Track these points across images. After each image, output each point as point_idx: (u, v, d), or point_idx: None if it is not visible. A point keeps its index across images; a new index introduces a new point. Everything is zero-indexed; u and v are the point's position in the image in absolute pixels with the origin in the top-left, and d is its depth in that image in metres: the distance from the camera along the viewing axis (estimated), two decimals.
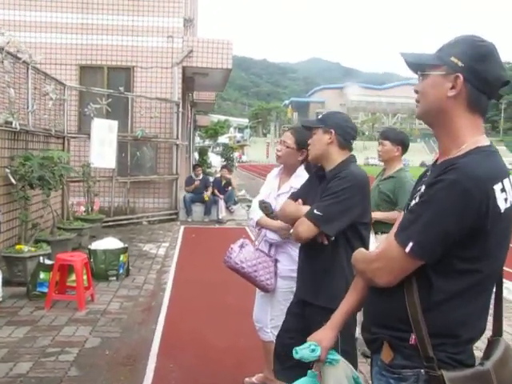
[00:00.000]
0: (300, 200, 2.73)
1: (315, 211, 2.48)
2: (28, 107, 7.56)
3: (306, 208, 2.59)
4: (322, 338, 1.83)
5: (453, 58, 1.52)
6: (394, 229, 1.61)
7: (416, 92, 1.63)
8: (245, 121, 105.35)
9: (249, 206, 15.98)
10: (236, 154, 41.52)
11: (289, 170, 3.37)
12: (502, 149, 76.20)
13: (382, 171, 4.45)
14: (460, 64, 1.51)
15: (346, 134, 2.67)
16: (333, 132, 2.63)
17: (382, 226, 3.92)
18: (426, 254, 1.47)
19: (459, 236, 1.43)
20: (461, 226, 1.42)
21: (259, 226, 3.36)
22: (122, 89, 11.15)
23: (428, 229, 1.45)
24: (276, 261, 3.31)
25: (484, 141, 1.54)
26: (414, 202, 1.57)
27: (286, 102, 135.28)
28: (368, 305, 1.75)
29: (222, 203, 12.25)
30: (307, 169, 3.32)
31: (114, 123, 10.49)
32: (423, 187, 1.53)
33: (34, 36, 11.76)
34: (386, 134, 4.30)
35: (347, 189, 2.51)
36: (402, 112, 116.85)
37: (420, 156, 73.39)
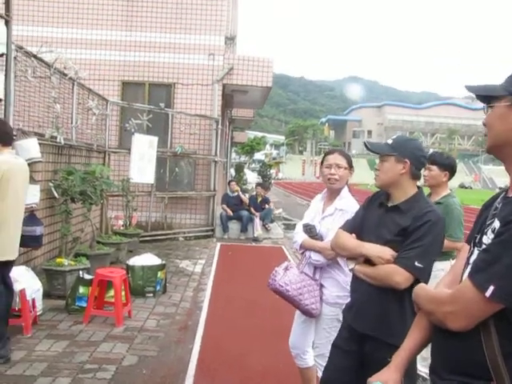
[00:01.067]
0: (354, 235, 2.61)
1: (416, 264, 2.33)
2: (72, 122, 7.70)
3: (368, 245, 2.48)
4: (388, 378, 1.71)
5: None
6: (459, 266, 1.51)
7: (484, 125, 1.56)
8: (281, 138, 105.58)
9: (285, 225, 15.91)
10: (273, 172, 41.46)
11: (333, 193, 3.31)
12: None
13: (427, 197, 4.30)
14: None
15: (419, 164, 2.56)
16: (408, 162, 2.50)
17: None
18: (509, 298, 1.36)
19: None
20: None
21: (304, 248, 3.29)
22: (162, 105, 11.27)
23: (511, 271, 1.35)
24: (321, 286, 3.21)
25: None
26: (485, 237, 1.46)
27: (323, 119, 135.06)
28: (436, 346, 1.63)
29: (257, 221, 12.17)
30: (351, 191, 3.27)
31: (154, 139, 10.60)
32: (498, 223, 1.43)
33: (80, 52, 12.04)
34: (434, 159, 4.15)
35: (439, 235, 2.42)
36: (441, 132, 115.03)
37: (459, 177, 71.90)
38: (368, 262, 2.46)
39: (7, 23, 5.34)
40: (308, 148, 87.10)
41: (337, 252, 2.74)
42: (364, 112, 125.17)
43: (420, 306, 1.62)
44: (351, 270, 2.57)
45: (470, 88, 1.58)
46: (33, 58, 6.23)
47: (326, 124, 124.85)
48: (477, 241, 1.53)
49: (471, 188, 71.05)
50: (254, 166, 61.92)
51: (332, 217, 3.20)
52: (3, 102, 5.59)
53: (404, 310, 2.35)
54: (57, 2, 12.09)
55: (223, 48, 12.38)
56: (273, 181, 36.18)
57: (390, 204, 2.55)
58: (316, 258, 3.19)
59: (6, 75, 5.53)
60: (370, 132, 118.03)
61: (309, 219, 3.36)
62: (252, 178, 31.65)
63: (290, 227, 15.29)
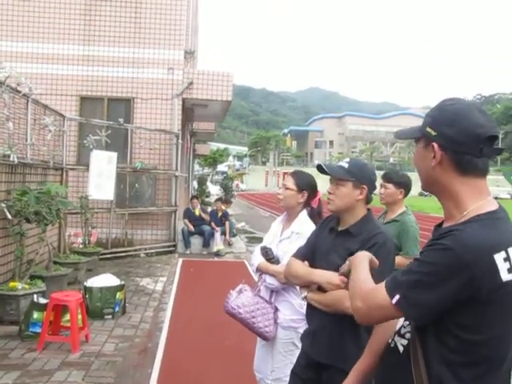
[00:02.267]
0: (306, 262, 2.60)
1: None
2: (27, 140, 7.50)
3: (318, 271, 2.47)
4: None
5: (428, 128, 1.53)
6: None
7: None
8: (244, 149, 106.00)
9: (248, 238, 15.89)
10: (234, 184, 41.48)
11: (291, 215, 3.32)
12: (499, 178, 76.34)
13: (383, 214, 4.35)
14: (433, 133, 1.51)
15: (374, 188, 2.59)
16: (366, 188, 2.51)
17: None
18: (411, 310, 1.45)
19: (449, 300, 1.40)
20: (449, 290, 1.39)
21: (260, 271, 3.29)
22: (121, 120, 11.14)
23: (417, 287, 1.42)
24: (276, 309, 3.20)
25: (488, 206, 1.49)
26: None
27: (285, 130, 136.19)
28: (377, 371, 1.68)
29: (218, 236, 12.12)
30: (311, 215, 3.25)
31: (113, 155, 10.44)
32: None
33: (36, 67, 11.79)
34: (389, 177, 4.21)
35: (388, 256, 2.41)
36: (400, 141, 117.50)
37: (418, 185, 73.25)
38: (321, 289, 2.46)
39: None
40: (271, 159, 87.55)
41: (289, 281, 2.73)
42: (325, 122, 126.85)
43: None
44: (304, 298, 2.56)
45: (397, 134, 1.69)
46: None
47: (288, 135, 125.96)
48: None
49: (430, 196, 72.58)
50: (217, 177, 61.91)
51: (289, 240, 3.20)
52: None
53: (359, 336, 2.34)
54: (11, 15, 11.82)
55: (183, 62, 12.33)
56: (236, 193, 36.17)
57: (340, 228, 2.56)
58: (270, 281, 3.19)
59: None
60: (331, 142, 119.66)
61: (267, 242, 3.36)
62: (215, 190, 31.59)
63: (252, 240, 15.27)
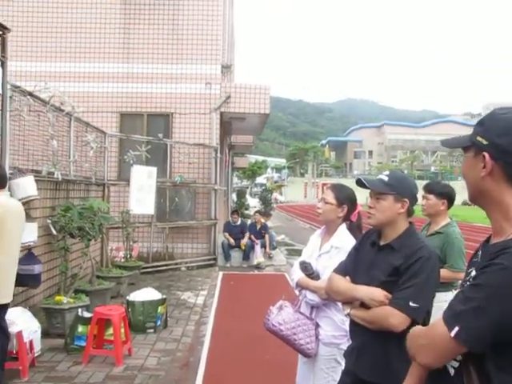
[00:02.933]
0: (348, 277, 2.55)
1: (411, 304, 2.26)
2: (70, 157, 7.70)
3: (361, 287, 2.42)
4: None
5: (478, 137, 1.48)
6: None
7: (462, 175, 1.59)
8: (282, 161, 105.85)
9: (288, 250, 15.81)
10: (273, 196, 41.40)
11: (330, 229, 3.27)
12: None
13: (426, 226, 4.24)
14: (484, 142, 1.46)
15: (415, 201, 2.52)
16: (407, 202, 2.46)
17: None
18: (472, 341, 1.37)
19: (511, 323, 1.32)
20: (510, 313, 1.32)
21: (299, 286, 3.23)
22: (160, 135, 11.30)
23: (478, 315, 1.35)
24: (317, 325, 3.14)
25: None
26: (467, 283, 1.47)
27: (324, 141, 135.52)
28: None
29: (258, 248, 12.09)
30: (350, 229, 3.19)
31: (153, 169, 10.59)
32: (474, 271, 1.46)
33: (78, 86, 12.13)
34: (430, 188, 4.13)
35: (433, 271, 2.35)
36: (442, 150, 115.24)
37: (462, 194, 71.58)
38: (364, 305, 2.40)
39: (3, 64, 5.37)
40: (309, 170, 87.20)
41: (331, 297, 2.68)
42: (364, 132, 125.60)
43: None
44: (347, 314, 2.50)
45: (444, 143, 1.64)
46: (28, 96, 6.24)
47: (327, 146, 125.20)
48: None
49: (474, 204, 70.57)
50: (256, 190, 62.02)
51: (328, 254, 3.15)
52: (0, 142, 5.59)
53: (405, 354, 2.27)
54: (53, 37, 12.22)
55: (220, 76, 12.45)
56: (275, 205, 36.12)
57: (382, 242, 2.49)
58: (311, 297, 3.14)
59: (1, 115, 5.53)
60: (370, 152, 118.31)
61: (306, 256, 3.31)
62: (253, 202, 31.61)
63: (292, 253, 15.19)
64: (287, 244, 18.09)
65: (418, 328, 1.65)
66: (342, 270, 2.61)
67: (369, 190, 2.55)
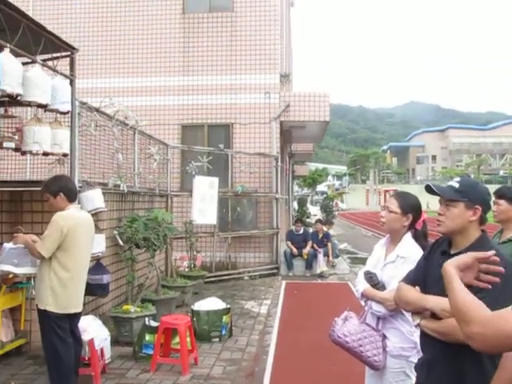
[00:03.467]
0: (417, 287, 2.44)
1: None
2: (134, 169, 7.91)
3: (432, 298, 2.32)
4: None
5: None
6: None
7: None
8: (343, 168, 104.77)
9: (351, 259, 15.56)
10: (334, 203, 40.94)
11: (395, 238, 3.16)
12: None
13: (498, 233, 4.03)
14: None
15: (488, 208, 2.40)
16: (479, 209, 2.33)
17: None
18: None
19: None
20: None
21: (365, 297, 3.14)
22: (221, 146, 11.43)
23: None
24: (384, 336, 3.03)
25: None
26: None
27: (385, 147, 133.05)
28: None
29: (320, 257, 11.95)
30: (415, 237, 3.07)
31: (215, 180, 10.71)
32: None
33: (140, 100, 12.51)
34: (502, 193, 3.92)
35: (509, 280, 2.18)
36: (511, 152, 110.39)
37: None
38: (435, 316, 2.29)
39: (71, 82, 5.59)
40: (371, 177, 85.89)
41: (400, 307, 2.58)
42: (427, 137, 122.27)
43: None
44: (417, 325, 2.40)
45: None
46: (95, 112, 6.47)
47: (388, 151, 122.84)
48: None
49: None
50: (317, 197, 61.62)
51: (394, 264, 3.05)
52: (69, 156, 5.81)
53: (482, 368, 2.14)
54: (116, 54, 12.69)
55: (279, 86, 12.49)
56: (337, 213, 35.73)
57: (452, 251, 2.37)
58: (377, 308, 3.04)
59: (71, 131, 5.76)
60: (434, 157, 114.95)
61: (370, 266, 3.22)
62: (314, 210, 31.37)
63: (356, 261, 14.94)
64: (350, 252, 17.83)
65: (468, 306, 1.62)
66: (411, 279, 2.50)
67: (438, 198, 2.44)
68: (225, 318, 6.44)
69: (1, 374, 5.14)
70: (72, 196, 4.38)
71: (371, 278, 3.07)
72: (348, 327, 3.05)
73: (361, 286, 3.16)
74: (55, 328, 4.16)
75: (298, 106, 12.31)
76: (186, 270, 9.73)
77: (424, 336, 2.38)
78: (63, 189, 4.31)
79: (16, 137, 5.25)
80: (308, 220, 24.57)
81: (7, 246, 4.57)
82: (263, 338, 6.70)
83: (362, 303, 3.24)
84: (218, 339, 6.35)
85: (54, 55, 5.57)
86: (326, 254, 12.26)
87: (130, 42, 12.70)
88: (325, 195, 41.97)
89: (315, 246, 12.22)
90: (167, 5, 12.70)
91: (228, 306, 6.64)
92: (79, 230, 4.26)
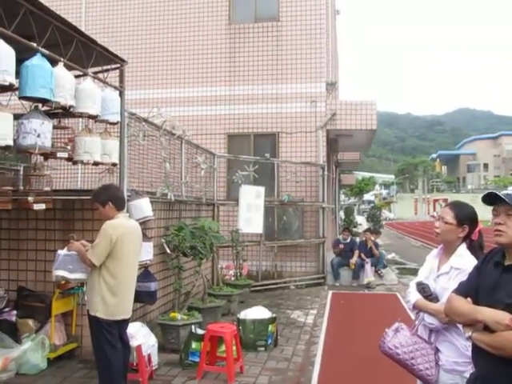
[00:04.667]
0: (469, 298, 2.36)
1: None
2: (181, 178, 8.02)
3: (484, 309, 2.23)
4: None
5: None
6: None
7: None
8: (390, 177, 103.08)
9: (399, 269, 15.24)
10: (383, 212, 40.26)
11: (449, 249, 3.04)
12: None
13: None
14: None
15: None
16: None
17: None
18: None
19: None
20: None
21: (417, 308, 3.04)
22: (267, 155, 11.45)
23: None
24: (437, 349, 2.93)
25: None
26: None
27: (434, 155, 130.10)
28: None
29: (368, 267, 11.74)
30: (471, 248, 2.96)
31: (261, 189, 10.73)
32: None
33: (187, 110, 12.73)
34: None
35: None
36: None
37: None
38: (488, 328, 2.20)
39: (121, 93, 5.74)
40: (419, 186, 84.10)
41: (451, 318, 2.49)
42: (478, 144, 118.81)
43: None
44: (468, 338, 2.31)
45: None
46: (143, 123, 6.61)
47: (437, 160, 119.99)
48: None
49: None
50: (363, 207, 60.85)
51: (448, 275, 2.93)
52: (118, 166, 5.95)
53: None
54: (163, 65, 12.97)
55: (325, 94, 12.43)
56: (384, 222, 35.14)
57: (507, 263, 2.28)
58: (430, 320, 2.93)
59: (120, 141, 5.90)
60: (486, 165, 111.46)
61: (422, 277, 3.11)
62: (361, 220, 30.97)
63: (404, 272, 14.62)
64: (398, 262, 17.47)
65: None
66: (463, 290, 2.42)
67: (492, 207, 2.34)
68: (271, 328, 6.42)
69: (54, 376, 5.29)
70: (120, 205, 4.47)
71: (424, 289, 2.97)
72: (399, 339, 2.96)
73: (412, 296, 3.05)
74: (105, 333, 4.25)
75: (345, 115, 12.21)
76: (232, 278, 9.77)
77: (476, 350, 2.29)
78: (112, 198, 4.41)
79: (68, 147, 5.42)
80: (355, 229, 24.29)
81: (61, 252, 4.72)
82: (309, 348, 6.63)
83: (412, 316, 3.15)
84: (263, 348, 6.32)
85: (105, 68, 5.73)
86: (374, 264, 12.05)
87: (176, 53, 12.96)
88: (372, 204, 41.34)
89: (362, 255, 12.02)
90: (213, 16, 12.89)
91: (274, 316, 6.60)
92: (128, 239, 4.34)
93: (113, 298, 4.24)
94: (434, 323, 2.90)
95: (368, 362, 5.91)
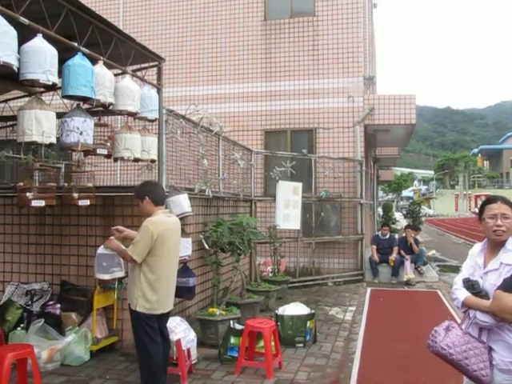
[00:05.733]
0: None
1: None
2: (219, 175, 8.06)
3: None
4: None
5: None
6: None
7: None
8: (430, 172, 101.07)
9: (440, 267, 14.94)
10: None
11: (496, 244, 2.92)
12: None
13: None
14: None
15: None
16: None
17: None
18: None
19: None
20: None
21: (466, 306, 2.91)
22: (305, 151, 11.39)
23: None
24: (490, 349, 2.83)
25: None
26: None
27: (475, 150, 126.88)
28: None
29: (408, 264, 11.53)
30: None
31: (298, 185, 10.69)
32: None
33: (224, 106, 12.80)
34: None
35: None
36: None
37: None
38: None
39: (159, 91, 5.81)
40: (460, 181, 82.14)
41: (501, 316, 2.41)
42: None
43: None
44: None
45: None
46: (181, 119, 6.67)
47: (479, 155, 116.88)
48: None
49: None
50: (402, 203, 59.95)
51: (497, 272, 2.80)
52: (157, 163, 6.02)
53: None
54: (200, 63, 13.08)
55: (362, 89, 12.28)
56: (423, 218, 34.52)
57: None
58: (483, 318, 2.79)
59: (158, 138, 5.97)
60: None
61: (467, 274, 3.00)
62: (399, 216, 30.50)
63: (445, 269, 14.34)
64: (438, 260, 17.13)
65: None
66: (510, 287, 2.34)
67: None
68: (309, 324, 6.39)
69: (97, 368, 5.42)
70: (158, 200, 4.51)
71: (473, 286, 2.85)
72: (451, 338, 2.84)
73: (460, 294, 2.94)
74: (145, 327, 4.31)
75: (383, 109, 12.04)
76: (270, 274, 9.77)
77: None
78: (149, 193, 4.48)
79: (108, 144, 5.51)
80: (393, 226, 23.95)
81: (97, 252, 4.84)
82: (348, 345, 6.57)
83: (456, 314, 3.05)
84: (302, 344, 6.30)
85: (143, 65, 5.81)
86: (414, 261, 11.84)
87: (213, 50, 13.04)
88: (411, 200, 40.64)
89: (402, 252, 11.83)
90: (249, 12, 12.90)
91: (312, 312, 6.57)
92: (168, 235, 4.39)
93: (153, 293, 4.29)
94: (487, 321, 2.77)
95: (409, 360, 5.82)
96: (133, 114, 5.38)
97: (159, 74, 5.95)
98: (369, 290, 10.64)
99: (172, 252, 4.48)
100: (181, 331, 5.25)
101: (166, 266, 4.39)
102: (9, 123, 6.80)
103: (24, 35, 3.91)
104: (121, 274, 5.42)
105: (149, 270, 4.30)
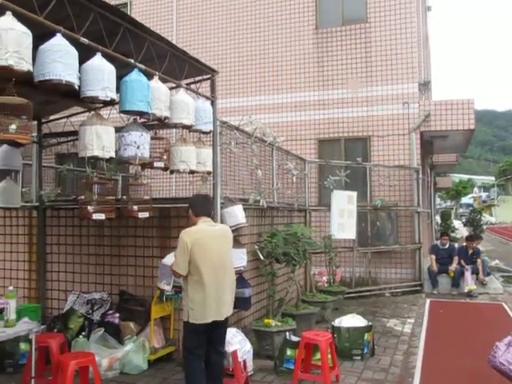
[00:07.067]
0: None
1: None
2: (273, 185, 8.05)
3: None
4: None
5: None
6: None
7: None
8: (490, 179, 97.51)
9: (504, 277, 14.32)
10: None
11: None
12: None
13: None
14: None
15: None
16: None
17: None
18: None
19: None
20: None
21: None
22: (359, 159, 11.23)
23: None
24: None
25: None
26: None
27: None
28: None
29: (468, 274, 11.09)
30: None
31: (353, 194, 10.54)
32: None
33: (277, 116, 12.84)
34: None
35: None
36: None
37: None
38: None
39: (212, 103, 5.87)
40: None
41: None
42: None
43: None
44: None
45: None
46: (235, 131, 6.71)
47: None
48: None
49: None
50: (461, 210, 58.13)
51: None
52: (212, 174, 6.07)
53: None
54: (253, 73, 13.19)
55: (417, 95, 12.01)
56: (485, 227, 33.29)
57: None
58: None
59: (213, 149, 6.03)
60: None
61: None
62: (458, 224, 29.52)
63: (510, 280, 13.73)
64: (502, 270, 16.42)
65: None
66: None
67: None
68: (366, 336, 6.25)
69: (155, 377, 5.52)
70: (199, 210, 4.54)
71: None
72: None
73: None
74: (191, 337, 4.35)
75: (439, 115, 11.71)
76: (326, 285, 9.66)
77: None
78: (191, 204, 4.59)
79: (164, 157, 5.62)
80: (452, 234, 23.22)
81: (161, 262, 4.97)
82: (407, 358, 6.38)
83: None
84: (359, 357, 6.17)
85: (197, 79, 5.89)
86: (475, 272, 11.40)
87: (265, 60, 13.11)
88: (471, 208, 39.31)
89: (462, 262, 11.41)
90: (300, 21, 12.91)
91: (370, 324, 6.43)
92: (206, 242, 4.34)
93: (198, 304, 4.26)
94: None
95: (474, 376, 5.58)
96: (188, 127, 5.45)
97: (213, 86, 6.01)
98: (428, 301, 10.32)
99: (215, 259, 4.37)
100: (237, 342, 5.26)
101: (211, 273, 4.30)
102: (69, 138, 7.03)
103: (84, 54, 4.05)
104: (170, 286, 5.49)
105: (192, 280, 4.29)
